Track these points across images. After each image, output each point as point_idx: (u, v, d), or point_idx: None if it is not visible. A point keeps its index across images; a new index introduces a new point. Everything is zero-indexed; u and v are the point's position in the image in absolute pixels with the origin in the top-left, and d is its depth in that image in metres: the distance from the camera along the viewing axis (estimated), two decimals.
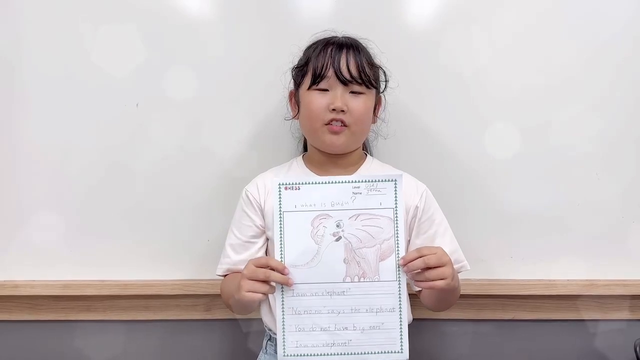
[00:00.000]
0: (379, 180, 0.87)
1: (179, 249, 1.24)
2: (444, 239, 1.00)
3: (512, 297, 1.23)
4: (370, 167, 1.06)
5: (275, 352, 1.01)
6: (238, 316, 1.25)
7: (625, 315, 1.26)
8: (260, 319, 1.07)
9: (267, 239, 1.03)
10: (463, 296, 1.03)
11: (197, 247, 1.23)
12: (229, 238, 1.04)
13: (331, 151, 1.00)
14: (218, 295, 1.14)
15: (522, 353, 1.28)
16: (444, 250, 0.87)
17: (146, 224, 1.23)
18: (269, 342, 1.07)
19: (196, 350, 1.28)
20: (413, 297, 1.04)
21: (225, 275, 1.04)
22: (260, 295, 0.85)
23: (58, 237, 1.23)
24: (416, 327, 1.07)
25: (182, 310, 1.25)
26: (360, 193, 0.87)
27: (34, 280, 1.22)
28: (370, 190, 0.87)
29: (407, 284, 1.04)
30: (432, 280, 0.84)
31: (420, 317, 1.15)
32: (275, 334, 1.00)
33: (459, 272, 1.00)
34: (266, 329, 1.07)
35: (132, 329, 1.27)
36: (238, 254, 1.01)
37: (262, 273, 0.84)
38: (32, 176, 1.21)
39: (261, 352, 1.09)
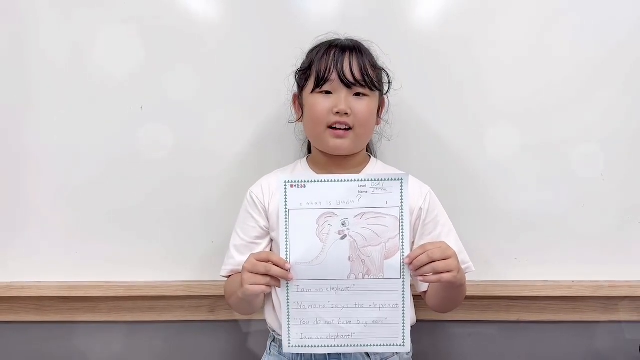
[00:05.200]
0: (385, 179, 0.87)
1: (184, 251, 1.24)
2: (448, 240, 1.00)
3: (516, 299, 1.23)
4: (374, 168, 1.06)
5: (279, 353, 1.02)
6: (242, 317, 1.25)
7: (630, 317, 1.25)
8: (264, 320, 1.07)
9: (272, 240, 1.03)
10: (467, 297, 1.03)
11: (201, 248, 1.24)
12: (233, 239, 1.04)
13: (336, 154, 1.00)
14: (222, 297, 1.14)
15: (526, 355, 1.28)
16: (447, 244, 0.87)
17: (151, 225, 1.23)
18: (272, 343, 1.07)
19: (200, 352, 1.29)
20: (417, 298, 1.04)
21: (230, 276, 1.04)
22: (262, 287, 0.86)
23: (63, 239, 1.23)
24: (420, 328, 1.07)
25: (186, 311, 1.26)
26: (366, 192, 0.87)
27: (40, 282, 1.23)
28: (376, 189, 0.87)
29: (412, 286, 1.04)
30: (439, 273, 0.84)
31: (424, 318, 1.15)
32: (279, 334, 1.00)
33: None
34: (270, 329, 1.07)
35: (136, 330, 1.28)
36: (242, 255, 1.00)
37: (263, 267, 0.85)
38: (38, 179, 1.22)
39: (265, 354, 1.09)
